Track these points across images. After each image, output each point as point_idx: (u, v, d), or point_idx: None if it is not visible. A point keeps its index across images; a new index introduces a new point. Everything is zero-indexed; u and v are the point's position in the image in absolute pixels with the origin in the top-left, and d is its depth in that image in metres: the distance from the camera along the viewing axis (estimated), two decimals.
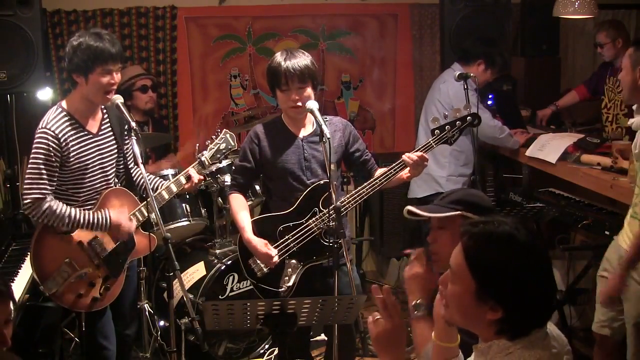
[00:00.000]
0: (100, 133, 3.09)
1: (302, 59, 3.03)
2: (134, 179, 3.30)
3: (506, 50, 4.74)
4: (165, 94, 4.99)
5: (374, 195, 3.29)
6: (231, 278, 3.87)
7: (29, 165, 2.94)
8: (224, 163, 3.99)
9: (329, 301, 2.52)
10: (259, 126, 3.23)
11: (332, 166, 2.87)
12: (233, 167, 3.40)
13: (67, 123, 2.97)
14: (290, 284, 3.05)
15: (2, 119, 4.22)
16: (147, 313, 3.69)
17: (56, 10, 4.68)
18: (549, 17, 4.89)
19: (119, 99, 3.02)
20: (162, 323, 3.94)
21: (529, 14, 5.22)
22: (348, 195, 3.08)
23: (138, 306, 3.60)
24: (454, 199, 2.28)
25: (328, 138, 2.79)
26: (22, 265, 3.37)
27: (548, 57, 5.30)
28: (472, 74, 3.89)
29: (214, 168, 3.95)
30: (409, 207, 2.36)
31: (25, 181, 2.93)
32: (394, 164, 3.04)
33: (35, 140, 2.93)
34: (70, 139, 2.96)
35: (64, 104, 3.02)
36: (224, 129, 3.38)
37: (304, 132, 3.17)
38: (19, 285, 3.14)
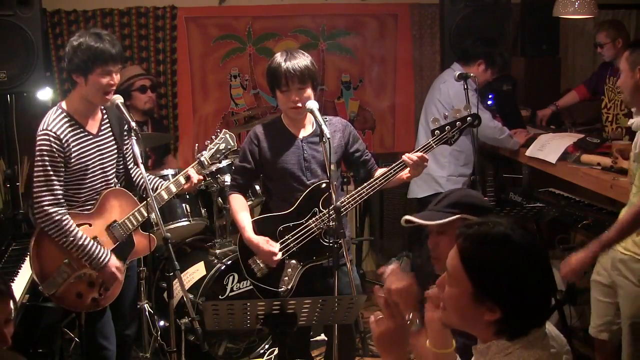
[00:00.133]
0: (100, 133, 3.09)
1: (302, 60, 3.03)
2: (134, 179, 3.30)
3: (506, 50, 4.73)
4: (165, 94, 5.00)
5: (374, 196, 3.29)
6: (231, 278, 3.87)
7: (35, 169, 2.93)
8: (224, 163, 3.99)
9: (329, 301, 2.52)
10: (258, 127, 3.23)
11: (332, 166, 2.87)
12: (233, 168, 3.40)
13: (68, 124, 2.96)
14: (290, 284, 3.05)
15: (2, 119, 4.22)
16: (147, 313, 3.69)
17: (56, 10, 4.68)
18: (549, 17, 4.89)
19: (119, 99, 3.01)
20: (162, 323, 3.94)
21: (529, 14, 5.22)
22: (348, 196, 3.08)
23: (138, 306, 3.60)
24: (451, 202, 2.26)
25: (328, 138, 2.80)
26: (22, 265, 3.37)
27: (548, 57, 5.30)
28: (472, 74, 3.89)
29: (213, 168, 3.95)
30: (406, 217, 2.33)
31: (35, 185, 2.92)
32: (394, 164, 3.04)
33: (38, 143, 2.92)
34: (71, 139, 2.96)
35: (63, 104, 3.02)
36: (224, 129, 3.38)
37: (303, 133, 3.17)
38: (19, 285, 3.13)
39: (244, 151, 3.20)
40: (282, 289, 3.04)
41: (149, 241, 3.18)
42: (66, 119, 2.97)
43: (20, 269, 3.34)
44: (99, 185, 3.09)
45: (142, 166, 2.87)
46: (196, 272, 3.90)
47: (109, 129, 3.13)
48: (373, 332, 1.83)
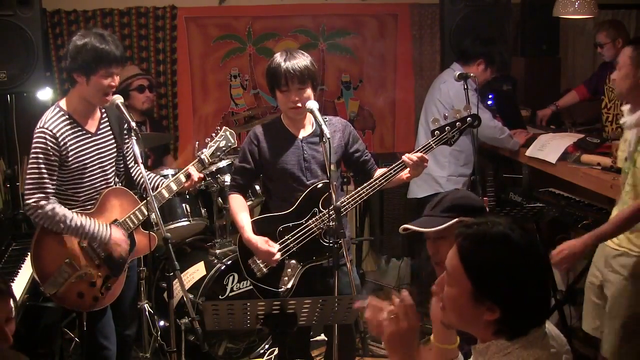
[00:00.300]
0: (99, 132, 3.09)
1: (302, 60, 3.03)
2: (134, 177, 3.30)
3: (506, 50, 4.73)
4: (165, 94, 5.00)
5: (374, 196, 3.29)
6: (231, 278, 3.87)
7: (29, 166, 2.94)
8: (224, 163, 3.99)
9: (329, 301, 2.52)
10: (258, 127, 3.23)
11: (332, 166, 2.87)
12: (233, 168, 3.40)
13: (65, 122, 2.97)
14: (290, 284, 3.05)
15: (2, 119, 4.23)
16: (147, 313, 3.69)
17: (56, 10, 4.68)
18: (549, 17, 4.89)
19: (119, 99, 3.01)
20: (162, 323, 3.94)
21: (529, 14, 5.22)
22: (348, 196, 3.08)
23: (138, 306, 3.60)
24: (447, 205, 2.23)
25: (328, 138, 2.80)
26: (22, 265, 3.37)
27: (548, 57, 5.30)
28: (472, 74, 3.89)
29: (214, 168, 3.95)
30: (405, 225, 2.31)
31: (26, 182, 2.93)
32: (394, 165, 3.04)
33: (34, 141, 2.93)
34: (69, 138, 2.96)
35: (61, 103, 3.03)
36: (224, 127, 3.37)
37: (303, 133, 3.17)
38: (19, 285, 3.13)
39: (244, 151, 3.20)
40: (282, 289, 3.05)
41: (149, 240, 3.17)
42: (64, 118, 2.97)
43: (20, 269, 3.34)
44: (99, 184, 3.09)
45: (142, 165, 2.87)
46: (196, 272, 3.90)
47: (109, 128, 3.13)
48: (385, 329, 1.81)
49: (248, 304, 2.42)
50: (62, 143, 2.93)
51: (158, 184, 3.24)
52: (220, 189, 3.97)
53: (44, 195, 2.91)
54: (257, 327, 2.48)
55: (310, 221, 3.07)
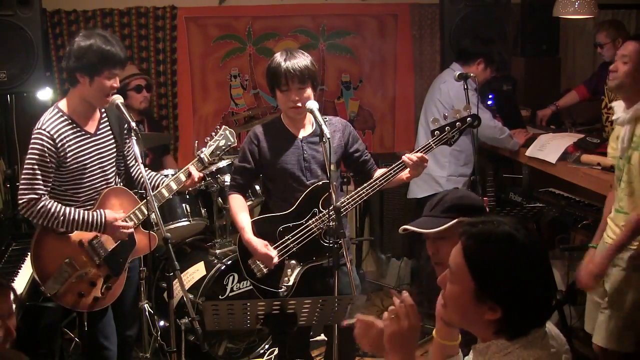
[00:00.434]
0: (98, 133, 3.09)
1: (302, 60, 3.04)
2: (135, 177, 3.30)
3: (506, 50, 4.74)
4: (165, 94, 5.00)
5: (374, 196, 3.29)
6: (231, 278, 3.87)
7: (24, 166, 2.95)
8: (224, 163, 3.99)
9: (329, 301, 2.52)
10: (258, 127, 3.23)
11: (332, 166, 2.87)
12: (233, 168, 3.40)
13: (64, 123, 2.97)
14: (290, 284, 3.06)
15: (2, 119, 4.23)
16: (147, 313, 3.69)
17: (56, 10, 4.68)
18: (549, 17, 4.89)
19: (118, 99, 3.02)
20: (162, 323, 3.94)
21: (529, 14, 5.22)
22: (348, 196, 3.08)
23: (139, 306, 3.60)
24: (447, 206, 2.21)
25: (328, 138, 2.80)
26: (22, 265, 3.37)
27: (548, 57, 5.30)
28: (472, 74, 3.89)
29: (214, 168, 3.95)
30: (404, 227, 2.29)
31: (20, 182, 2.95)
32: (394, 165, 3.04)
33: (31, 142, 2.94)
34: (67, 139, 2.96)
35: (60, 104, 3.03)
36: (224, 126, 3.36)
37: (303, 133, 3.17)
38: (19, 285, 3.13)
39: (244, 151, 3.20)
40: (282, 290, 3.05)
41: (149, 240, 3.17)
42: (62, 119, 2.98)
43: (20, 269, 3.34)
44: (99, 184, 3.10)
45: (142, 166, 2.88)
46: (196, 272, 3.90)
47: (108, 128, 3.13)
48: (386, 329, 1.82)
49: (248, 304, 2.42)
50: (60, 144, 2.94)
51: (159, 183, 3.24)
52: (220, 189, 3.97)
53: (36, 195, 2.91)
54: (257, 327, 2.48)
55: (310, 221, 3.07)
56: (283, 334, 2.48)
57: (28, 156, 2.94)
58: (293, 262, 3.09)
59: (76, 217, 2.97)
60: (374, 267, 5.43)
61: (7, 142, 4.25)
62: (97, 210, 3.04)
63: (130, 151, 3.21)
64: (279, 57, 3.06)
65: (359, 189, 3.08)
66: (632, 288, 2.97)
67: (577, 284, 3.08)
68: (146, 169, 3.28)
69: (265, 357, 3.98)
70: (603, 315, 3.05)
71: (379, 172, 3.17)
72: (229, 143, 3.32)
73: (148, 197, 2.88)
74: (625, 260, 2.97)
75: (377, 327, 1.86)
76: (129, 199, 3.18)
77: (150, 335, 3.78)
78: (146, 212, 3.11)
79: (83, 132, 3.03)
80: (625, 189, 2.94)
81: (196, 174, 3.21)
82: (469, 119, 3.07)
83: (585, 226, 3.70)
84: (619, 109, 3.01)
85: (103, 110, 3.13)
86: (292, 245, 3.09)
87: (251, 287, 3.25)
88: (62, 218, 2.94)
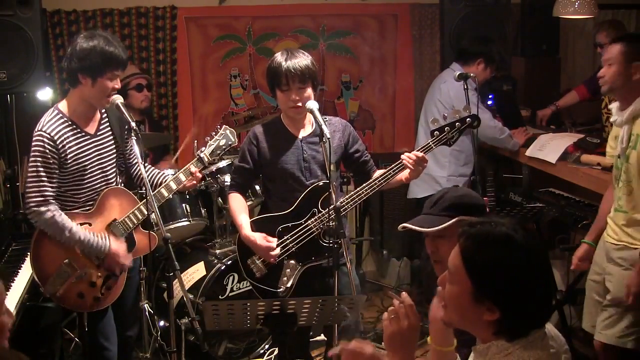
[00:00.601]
0: (98, 133, 3.09)
1: (303, 59, 3.04)
2: (134, 177, 3.30)
3: (506, 50, 4.74)
4: (165, 94, 5.00)
5: (374, 196, 3.29)
6: (231, 278, 3.87)
7: (29, 170, 2.95)
8: (224, 163, 3.99)
9: (329, 301, 2.52)
10: (258, 127, 3.23)
11: (332, 166, 2.87)
12: (233, 168, 3.40)
13: (64, 125, 2.97)
14: (289, 284, 3.05)
15: (2, 119, 4.22)
16: (147, 313, 3.69)
17: (56, 10, 4.68)
18: (549, 17, 4.89)
19: (119, 99, 3.02)
20: (162, 323, 3.94)
21: (529, 14, 5.22)
22: (347, 196, 3.08)
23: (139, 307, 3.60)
24: (447, 204, 2.22)
25: (328, 138, 2.80)
26: (22, 265, 3.36)
27: (548, 57, 5.30)
28: (472, 74, 3.89)
29: (214, 168, 3.95)
30: (404, 224, 2.30)
31: (26, 186, 2.94)
32: (393, 165, 3.04)
33: (32, 144, 2.94)
34: (67, 140, 2.96)
35: (60, 105, 3.03)
36: (224, 125, 3.36)
37: (303, 133, 3.17)
38: (19, 286, 3.13)
39: (243, 151, 3.20)
40: (281, 290, 3.05)
41: (149, 240, 3.17)
42: (62, 120, 2.98)
43: (20, 269, 3.33)
44: (99, 185, 3.09)
45: (142, 166, 2.88)
46: (196, 272, 3.90)
47: (109, 128, 3.13)
48: (385, 329, 1.81)
49: (248, 304, 2.42)
50: (60, 145, 2.94)
51: (160, 181, 3.24)
52: (220, 189, 3.97)
53: (43, 199, 2.91)
54: (257, 327, 2.48)
55: (309, 221, 3.07)
56: (283, 334, 2.48)
57: (31, 159, 2.94)
58: (292, 262, 3.08)
59: (81, 237, 2.96)
60: (374, 267, 5.43)
61: (7, 142, 4.24)
62: (104, 237, 3.03)
63: (131, 151, 3.21)
64: (279, 57, 3.06)
65: (358, 189, 3.08)
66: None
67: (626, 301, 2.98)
68: (148, 167, 3.28)
69: (265, 357, 3.98)
70: (606, 312, 3.05)
71: (378, 172, 3.17)
72: (229, 142, 3.32)
73: (148, 197, 2.88)
74: (629, 259, 2.97)
75: (364, 354, 1.82)
76: (128, 200, 3.18)
77: (150, 335, 3.78)
78: (145, 212, 3.11)
79: (83, 133, 3.03)
80: (623, 188, 2.96)
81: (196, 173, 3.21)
82: (468, 119, 3.07)
83: (585, 226, 3.70)
84: (615, 111, 3.03)
85: (103, 110, 3.13)
86: (291, 245, 3.09)
87: (251, 287, 3.25)
88: (67, 235, 2.94)
